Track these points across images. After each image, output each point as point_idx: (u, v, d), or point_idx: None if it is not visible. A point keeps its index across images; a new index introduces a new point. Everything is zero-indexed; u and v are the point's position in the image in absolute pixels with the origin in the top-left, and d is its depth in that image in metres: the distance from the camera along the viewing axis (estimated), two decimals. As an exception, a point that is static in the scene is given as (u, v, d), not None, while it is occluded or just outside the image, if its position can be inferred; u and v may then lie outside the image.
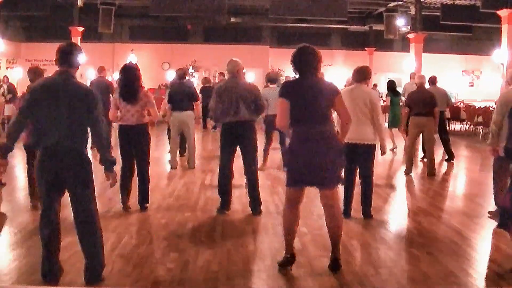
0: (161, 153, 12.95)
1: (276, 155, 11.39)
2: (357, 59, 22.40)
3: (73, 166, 4.52)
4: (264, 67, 24.27)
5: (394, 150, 13.82)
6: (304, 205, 7.71)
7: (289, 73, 21.89)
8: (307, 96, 4.99)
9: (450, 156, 12.43)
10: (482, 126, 17.68)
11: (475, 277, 5.12)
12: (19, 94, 15.17)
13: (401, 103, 13.86)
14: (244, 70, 7.41)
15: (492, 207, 7.47)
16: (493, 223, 7.04)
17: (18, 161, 10.22)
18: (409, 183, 10.12)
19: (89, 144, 4.84)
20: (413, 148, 10.89)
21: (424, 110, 10.44)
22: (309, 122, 4.99)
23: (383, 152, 7.22)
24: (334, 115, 5.45)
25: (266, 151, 10.75)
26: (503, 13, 16.34)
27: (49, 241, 4.62)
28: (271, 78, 11.08)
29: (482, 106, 19.84)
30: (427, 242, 6.18)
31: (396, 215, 7.75)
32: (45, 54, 23.80)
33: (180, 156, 11.58)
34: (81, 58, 4.73)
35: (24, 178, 8.63)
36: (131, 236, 6.18)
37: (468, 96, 24.69)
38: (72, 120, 4.46)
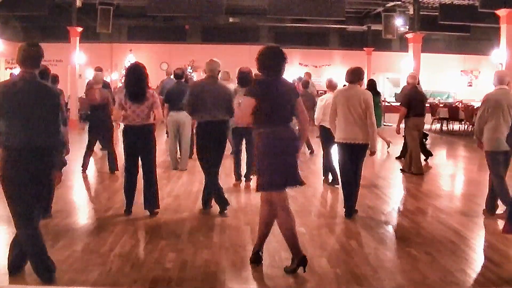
0: (158, 153, 12.90)
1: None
2: (355, 59, 22.45)
3: (41, 165, 4.52)
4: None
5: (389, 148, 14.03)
6: (302, 205, 7.77)
7: (288, 73, 21.88)
8: (277, 98, 5.01)
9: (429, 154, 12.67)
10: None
11: (473, 276, 5.13)
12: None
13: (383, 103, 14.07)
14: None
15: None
16: (492, 223, 7.07)
17: None
18: (407, 183, 10.13)
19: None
20: (418, 148, 10.92)
21: (422, 111, 10.59)
22: (280, 123, 5.02)
23: (372, 152, 7.25)
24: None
25: None
26: (501, 12, 16.31)
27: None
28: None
29: (481, 106, 19.80)
30: (426, 242, 6.19)
31: (395, 215, 7.76)
32: (44, 54, 23.77)
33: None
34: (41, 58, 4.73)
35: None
36: (129, 236, 6.17)
37: (467, 96, 24.67)
38: (39, 120, 4.48)
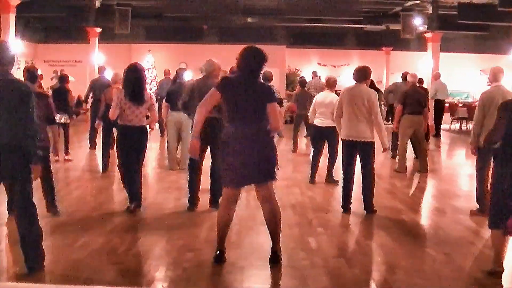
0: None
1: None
2: (373, 59, 22.38)
3: (12, 162, 4.61)
4: (281, 67, 24.21)
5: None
6: (319, 204, 7.75)
7: (306, 73, 21.91)
8: (240, 96, 5.05)
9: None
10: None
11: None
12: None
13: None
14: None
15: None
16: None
17: None
18: (424, 183, 10.07)
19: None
20: (406, 147, 10.89)
21: (418, 109, 10.62)
22: (243, 121, 5.06)
23: (384, 149, 7.40)
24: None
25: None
26: (521, 11, 16.18)
27: None
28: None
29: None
30: (444, 242, 6.15)
31: (412, 215, 7.71)
32: (63, 55, 24.00)
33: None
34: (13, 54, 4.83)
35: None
36: (147, 235, 6.21)
37: (486, 95, 24.45)
38: (11, 116, 4.57)
